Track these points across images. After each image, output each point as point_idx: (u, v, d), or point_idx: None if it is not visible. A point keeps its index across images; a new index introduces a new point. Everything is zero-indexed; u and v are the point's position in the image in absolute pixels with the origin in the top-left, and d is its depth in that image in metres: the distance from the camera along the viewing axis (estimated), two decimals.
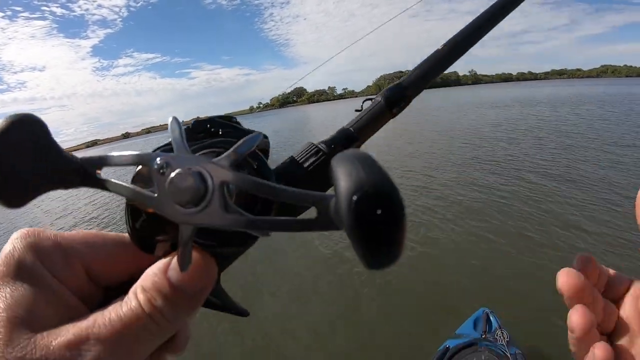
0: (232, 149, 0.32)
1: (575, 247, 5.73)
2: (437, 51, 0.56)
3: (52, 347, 0.30)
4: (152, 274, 0.35)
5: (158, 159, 0.31)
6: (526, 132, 16.93)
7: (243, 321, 4.59)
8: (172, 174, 0.30)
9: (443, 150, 14.57)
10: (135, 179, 0.34)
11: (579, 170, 9.88)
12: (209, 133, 0.39)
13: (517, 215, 7.23)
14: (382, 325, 4.61)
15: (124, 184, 0.32)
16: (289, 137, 28.60)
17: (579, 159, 10.94)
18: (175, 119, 0.34)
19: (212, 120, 0.40)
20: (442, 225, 7.26)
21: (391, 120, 0.53)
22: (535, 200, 7.96)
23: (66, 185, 0.32)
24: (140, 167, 0.34)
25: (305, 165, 0.44)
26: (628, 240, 5.72)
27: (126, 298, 0.35)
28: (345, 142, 0.47)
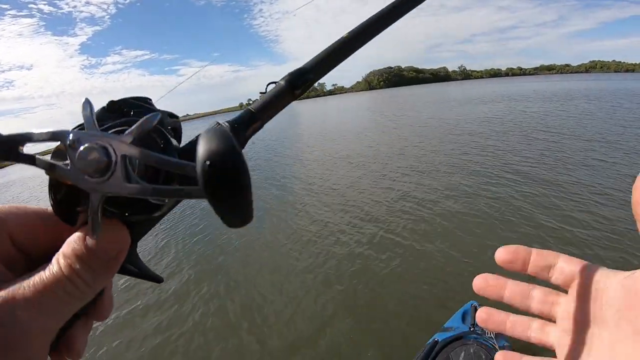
0: (134, 126, 0.35)
1: (563, 241, 5.79)
2: (341, 38, 0.57)
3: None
4: (72, 242, 0.38)
5: (70, 135, 0.34)
6: (513, 127, 17.04)
7: None
8: (81, 148, 0.33)
9: (432, 146, 14.63)
10: (55, 155, 0.36)
11: (566, 165, 9.98)
12: (122, 113, 0.41)
13: (505, 209, 7.29)
14: (371, 320, 4.62)
15: (42, 158, 0.35)
16: (278, 135, 28.40)
17: (566, 155, 11.04)
18: (87, 100, 0.37)
19: (124, 100, 0.42)
20: (430, 219, 7.31)
21: (293, 102, 0.54)
22: (523, 194, 8.02)
23: None
24: (58, 143, 0.36)
25: None
26: (615, 233, 5.81)
27: (49, 264, 0.37)
28: (247, 122, 0.48)
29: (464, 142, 14.64)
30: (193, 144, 0.46)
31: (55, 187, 0.38)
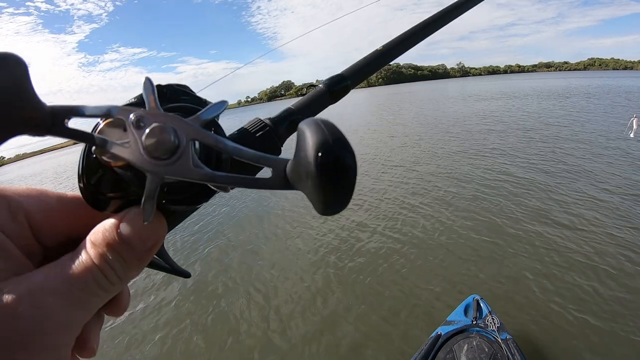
0: (202, 111, 0.36)
1: (560, 236, 5.83)
2: (376, 51, 0.64)
3: (5, 300, 0.30)
4: (102, 230, 0.35)
5: (132, 114, 0.33)
6: (512, 125, 17.04)
7: None
8: (148, 129, 0.32)
9: (435, 142, 14.63)
10: (101, 131, 0.34)
11: (565, 162, 10.00)
12: (167, 98, 0.40)
13: (507, 204, 7.32)
14: (373, 314, 4.64)
15: (96, 134, 0.34)
16: None
17: (565, 152, 11.06)
18: (148, 79, 0.36)
19: (170, 86, 0.41)
20: (433, 213, 7.33)
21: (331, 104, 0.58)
22: (523, 190, 8.05)
23: (33, 132, 0.32)
24: (106, 120, 0.34)
25: (256, 135, 0.48)
26: (608, 233, 5.87)
27: (77, 253, 0.35)
28: (289, 121, 0.52)
29: (461, 137, 14.66)
30: (238, 133, 0.49)
31: (88, 169, 0.36)
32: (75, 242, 0.37)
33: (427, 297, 4.80)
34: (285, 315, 4.84)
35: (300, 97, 0.56)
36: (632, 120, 8.84)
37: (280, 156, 0.36)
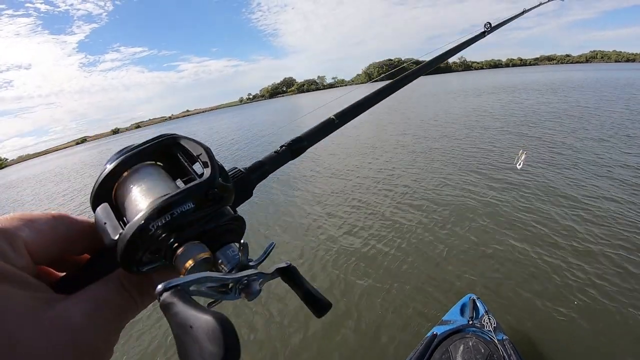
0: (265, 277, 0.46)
1: (563, 240, 5.80)
2: (329, 119, 0.77)
3: (76, 315, 0.37)
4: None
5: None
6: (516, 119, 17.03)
7: None
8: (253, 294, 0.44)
9: (434, 141, 14.63)
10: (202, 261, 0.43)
11: (569, 160, 9.98)
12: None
13: (504, 204, 7.32)
14: (369, 313, 4.63)
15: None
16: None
17: (568, 148, 11.04)
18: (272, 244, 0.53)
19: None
20: (429, 212, 7.34)
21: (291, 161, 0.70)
22: (521, 190, 8.05)
23: None
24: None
25: (234, 178, 0.58)
26: (610, 235, 5.81)
27: (102, 281, 0.43)
28: (260, 171, 0.62)
29: (471, 134, 14.65)
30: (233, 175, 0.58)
31: (143, 248, 0.41)
32: (62, 259, 0.45)
33: (423, 296, 4.78)
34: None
35: (270, 153, 0.67)
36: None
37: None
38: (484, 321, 3.51)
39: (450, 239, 6.10)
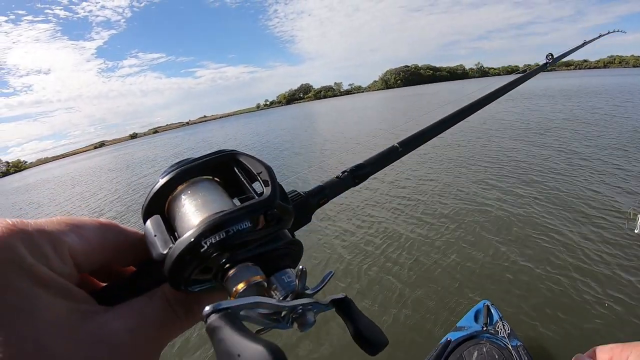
0: (317, 289, 0.46)
1: (575, 247, 5.75)
2: (393, 147, 0.76)
3: (117, 330, 0.36)
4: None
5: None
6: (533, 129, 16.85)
7: None
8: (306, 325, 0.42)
9: (454, 149, 14.55)
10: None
11: (587, 170, 9.88)
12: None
13: (521, 212, 7.28)
14: (382, 318, 4.64)
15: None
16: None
17: (590, 159, 10.93)
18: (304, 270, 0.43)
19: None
20: (446, 219, 7.33)
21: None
22: (538, 198, 8.01)
23: None
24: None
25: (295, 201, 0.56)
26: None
27: (147, 296, 0.41)
28: (320, 195, 0.61)
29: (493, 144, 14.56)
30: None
31: (193, 265, 0.39)
32: (106, 268, 0.44)
33: (437, 302, 4.78)
34: None
35: (332, 178, 0.66)
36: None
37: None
38: (498, 327, 3.51)
39: (466, 247, 6.09)
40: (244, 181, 0.48)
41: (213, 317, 0.32)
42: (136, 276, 0.45)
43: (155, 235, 0.42)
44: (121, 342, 0.35)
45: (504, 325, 3.51)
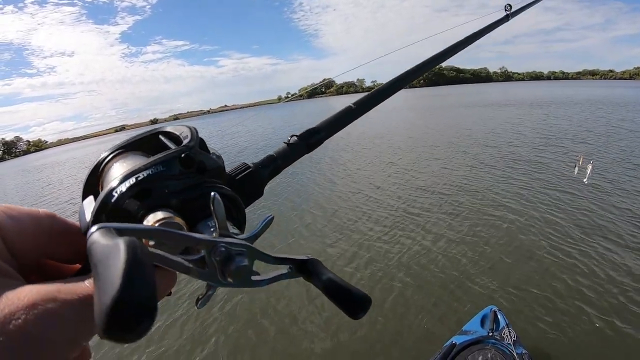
0: (255, 232, 0.43)
1: (586, 254, 5.69)
2: (348, 107, 0.73)
3: (21, 304, 0.31)
4: None
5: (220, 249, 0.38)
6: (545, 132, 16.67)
7: None
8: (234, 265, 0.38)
9: (461, 153, 14.46)
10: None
11: (603, 179, 9.75)
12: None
13: (532, 218, 7.20)
14: (387, 321, 4.63)
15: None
16: None
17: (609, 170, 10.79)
18: (216, 197, 0.39)
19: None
20: (455, 223, 7.28)
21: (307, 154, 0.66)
22: (549, 205, 7.92)
23: None
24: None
25: (238, 177, 0.54)
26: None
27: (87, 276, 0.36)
28: (272, 167, 0.59)
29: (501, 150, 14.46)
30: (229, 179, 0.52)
31: (109, 218, 0.37)
32: (49, 265, 0.43)
33: (444, 305, 4.77)
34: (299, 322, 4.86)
35: (281, 145, 0.63)
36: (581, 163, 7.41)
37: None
38: (504, 333, 3.49)
39: (476, 249, 6.06)
40: (169, 144, 0.48)
41: (95, 234, 0.29)
42: (80, 272, 0.42)
43: (84, 212, 0.41)
44: (23, 304, 0.31)
45: (510, 332, 3.48)
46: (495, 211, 7.65)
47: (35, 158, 76.44)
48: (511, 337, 3.43)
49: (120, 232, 0.29)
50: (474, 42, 1.17)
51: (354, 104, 0.74)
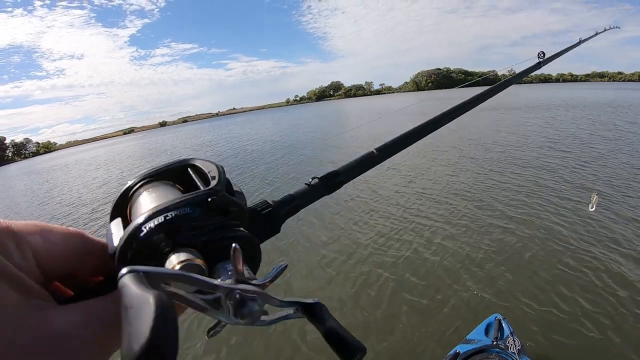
0: (269, 278, 0.43)
1: (592, 265, 5.63)
2: (370, 153, 0.76)
3: (62, 322, 0.35)
4: None
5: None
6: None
7: None
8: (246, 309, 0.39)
9: (461, 156, 14.41)
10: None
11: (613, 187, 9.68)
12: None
13: (537, 226, 7.17)
14: (391, 327, 4.61)
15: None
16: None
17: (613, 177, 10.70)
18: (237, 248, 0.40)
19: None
20: (459, 231, 7.25)
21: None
22: (557, 213, 7.88)
23: None
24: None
25: (262, 213, 0.57)
26: None
27: (105, 297, 0.39)
28: (291, 205, 0.62)
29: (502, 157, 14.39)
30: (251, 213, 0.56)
31: (135, 249, 0.40)
32: (73, 276, 0.45)
33: (448, 313, 4.73)
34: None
35: (302, 186, 0.67)
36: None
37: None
38: (508, 342, 3.45)
39: (481, 259, 6.02)
40: (197, 180, 0.52)
41: (126, 277, 0.31)
42: (101, 284, 0.46)
43: (112, 235, 0.44)
44: (65, 334, 0.34)
45: (514, 341, 3.45)
46: (500, 222, 7.57)
47: (44, 160, 77.12)
48: (515, 346, 3.40)
49: (147, 276, 0.31)
50: (508, 86, 1.25)
51: (376, 149, 0.77)
